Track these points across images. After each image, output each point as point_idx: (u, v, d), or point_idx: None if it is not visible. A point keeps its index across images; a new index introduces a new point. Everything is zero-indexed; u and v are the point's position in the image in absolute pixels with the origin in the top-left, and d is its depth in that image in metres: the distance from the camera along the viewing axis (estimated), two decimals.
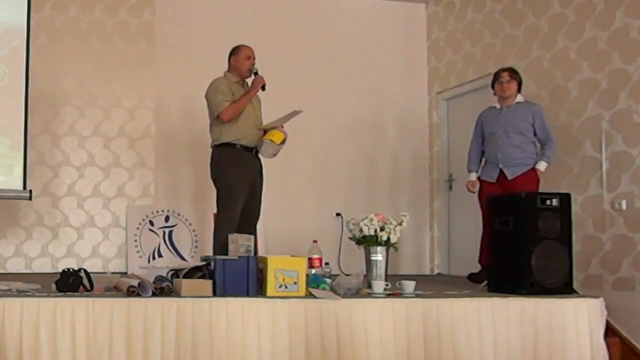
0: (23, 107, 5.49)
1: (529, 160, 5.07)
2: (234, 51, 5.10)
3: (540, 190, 5.11)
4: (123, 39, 6.60)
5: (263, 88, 5.02)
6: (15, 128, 5.47)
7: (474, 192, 5.37)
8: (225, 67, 5.16)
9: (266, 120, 5.15)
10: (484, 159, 5.33)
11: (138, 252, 6.35)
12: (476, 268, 5.40)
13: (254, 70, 5.04)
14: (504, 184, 5.07)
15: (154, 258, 6.36)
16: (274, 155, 5.02)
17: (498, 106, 5.24)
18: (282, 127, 5.02)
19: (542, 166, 5.05)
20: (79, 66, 6.47)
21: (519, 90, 5.18)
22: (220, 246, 4.78)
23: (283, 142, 4.99)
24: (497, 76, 5.21)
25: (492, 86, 5.28)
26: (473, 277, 5.21)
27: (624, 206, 4.92)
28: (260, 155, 5.07)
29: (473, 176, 5.36)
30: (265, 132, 5.03)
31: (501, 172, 5.11)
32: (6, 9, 5.55)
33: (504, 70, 5.23)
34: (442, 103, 7.22)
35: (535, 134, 5.08)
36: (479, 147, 5.34)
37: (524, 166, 5.05)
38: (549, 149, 5.07)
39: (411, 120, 7.30)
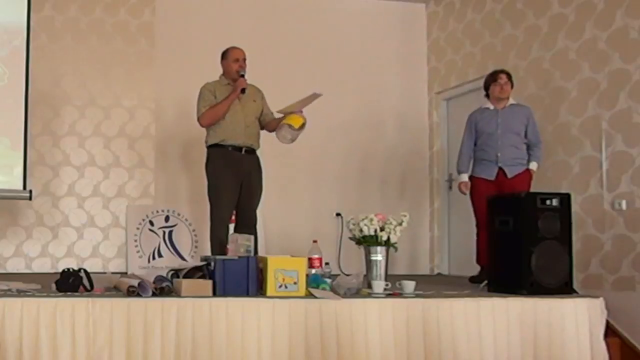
0: (23, 107, 5.49)
1: (524, 160, 5.23)
2: (223, 54, 5.14)
3: (540, 190, 5.13)
4: (123, 39, 6.60)
5: (243, 91, 4.98)
6: (15, 128, 5.47)
7: (465, 194, 5.43)
8: None
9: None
10: (475, 158, 5.39)
11: (138, 252, 6.35)
12: (475, 268, 5.40)
13: (241, 73, 5.02)
14: (503, 183, 5.15)
15: (154, 258, 6.36)
16: (292, 140, 4.95)
17: (492, 107, 5.32)
18: (302, 111, 4.91)
19: (534, 166, 5.22)
20: (79, 66, 6.46)
21: None
22: (215, 245, 4.86)
23: (302, 127, 4.88)
24: (495, 77, 5.28)
25: (486, 87, 5.34)
26: (474, 279, 5.21)
27: (624, 206, 4.92)
28: (280, 141, 5.01)
29: (465, 177, 5.41)
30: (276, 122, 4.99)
31: (500, 170, 5.20)
32: (6, 9, 5.55)
33: (502, 72, 5.31)
34: (442, 103, 7.22)
35: (526, 135, 5.22)
36: (471, 148, 5.40)
37: (521, 166, 5.20)
38: (539, 150, 5.25)
39: (411, 120, 7.30)
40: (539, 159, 5.23)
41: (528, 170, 5.19)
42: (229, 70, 5.08)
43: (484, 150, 5.28)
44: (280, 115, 5.00)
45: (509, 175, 5.16)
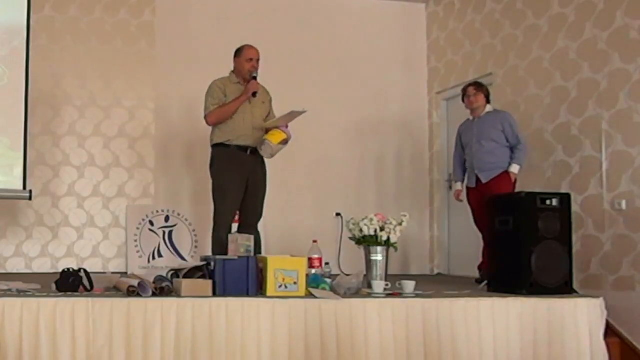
0: (23, 107, 5.49)
1: (503, 164, 5.31)
2: (237, 52, 5.06)
3: (540, 190, 5.25)
4: (123, 39, 6.60)
5: (254, 95, 4.94)
6: (15, 128, 5.47)
7: (461, 201, 5.67)
8: (225, 67, 5.14)
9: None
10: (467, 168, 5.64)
11: (138, 252, 6.35)
12: (476, 270, 5.41)
13: (254, 74, 4.96)
14: (481, 188, 5.34)
15: (154, 258, 6.36)
16: (272, 155, 4.98)
17: (471, 118, 5.58)
18: (287, 127, 4.95)
19: (514, 168, 5.29)
20: (79, 66, 6.47)
21: (488, 102, 5.50)
22: (216, 245, 4.83)
23: (284, 142, 4.92)
24: (464, 91, 5.56)
25: (463, 100, 5.60)
26: (479, 281, 5.20)
27: (624, 206, 4.92)
28: (261, 154, 5.04)
29: (459, 186, 5.70)
30: (268, 130, 5.00)
31: (477, 177, 5.39)
32: (6, 9, 5.55)
33: (469, 85, 5.58)
34: (442, 103, 7.22)
35: (507, 140, 5.34)
36: (460, 157, 5.66)
37: (497, 169, 5.30)
38: (519, 152, 5.31)
39: (411, 120, 7.30)
40: (519, 160, 5.29)
41: (507, 173, 5.27)
42: (241, 68, 4.99)
43: (467, 160, 5.53)
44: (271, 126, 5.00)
45: (484, 181, 5.32)
